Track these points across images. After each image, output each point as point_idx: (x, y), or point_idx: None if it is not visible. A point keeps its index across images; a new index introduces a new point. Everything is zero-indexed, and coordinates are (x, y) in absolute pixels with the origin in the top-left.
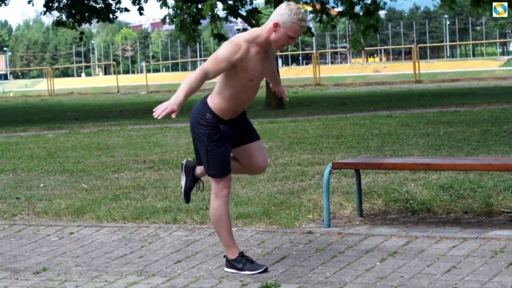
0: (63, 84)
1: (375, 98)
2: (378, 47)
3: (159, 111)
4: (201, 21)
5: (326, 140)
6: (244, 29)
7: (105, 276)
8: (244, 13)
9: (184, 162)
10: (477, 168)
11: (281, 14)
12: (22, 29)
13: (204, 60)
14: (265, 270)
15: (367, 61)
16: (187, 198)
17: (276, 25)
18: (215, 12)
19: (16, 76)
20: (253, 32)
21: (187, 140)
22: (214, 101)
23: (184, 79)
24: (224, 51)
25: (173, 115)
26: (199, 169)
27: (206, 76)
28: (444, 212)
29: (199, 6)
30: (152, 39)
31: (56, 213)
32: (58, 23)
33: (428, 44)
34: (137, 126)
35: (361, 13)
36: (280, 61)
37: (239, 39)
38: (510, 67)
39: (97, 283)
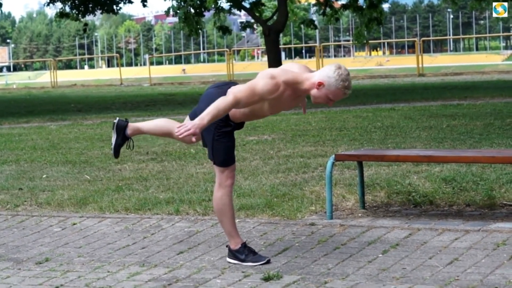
0: (66, 76)
1: (378, 91)
2: (382, 41)
3: (182, 130)
4: (205, 13)
5: (329, 133)
6: (247, 22)
7: (107, 267)
8: (247, 6)
9: (115, 120)
10: (479, 160)
11: (329, 76)
12: (25, 21)
13: (207, 53)
14: (268, 262)
15: (370, 54)
16: (116, 154)
17: (320, 84)
18: (219, 4)
19: (19, 68)
20: (296, 77)
21: None
22: None
23: (215, 102)
24: (262, 87)
25: (193, 139)
26: (130, 130)
27: (237, 105)
28: (447, 204)
29: None
30: (155, 31)
31: (59, 204)
32: (61, 15)
33: (431, 38)
34: (140, 118)
35: (364, 6)
36: (283, 54)
37: (280, 78)
38: None
39: (99, 273)
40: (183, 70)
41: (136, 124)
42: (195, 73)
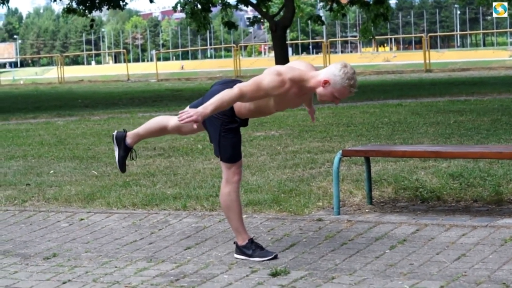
0: (73, 72)
1: (385, 87)
2: (389, 36)
3: (184, 116)
4: (212, 9)
5: (336, 128)
6: (255, 17)
7: (115, 262)
8: (254, 1)
9: (114, 133)
10: (487, 156)
11: (334, 74)
12: (33, 17)
13: (214, 49)
14: (275, 257)
15: (377, 50)
16: (122, 168)
17: (326, 82)
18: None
19: (26, 64)
20: (302, 75)
21: None
22: (237, 102)
23: (220, 93)
24: (268, 83)
25: (195, 125)
26: (130, 139)
27: (241, 98)
28: (454, 200)
29: None
30: (162, 27)
31: (66, 199)
32: (68, 10)
33: (438, 34)
34: (147, 114)
35: (371, 2)
36: (290, 49)
37: (286, 75)
38: None
39: (107, 269)
40: (182, 66)
41: (133, 131)
42: (202, 69)
